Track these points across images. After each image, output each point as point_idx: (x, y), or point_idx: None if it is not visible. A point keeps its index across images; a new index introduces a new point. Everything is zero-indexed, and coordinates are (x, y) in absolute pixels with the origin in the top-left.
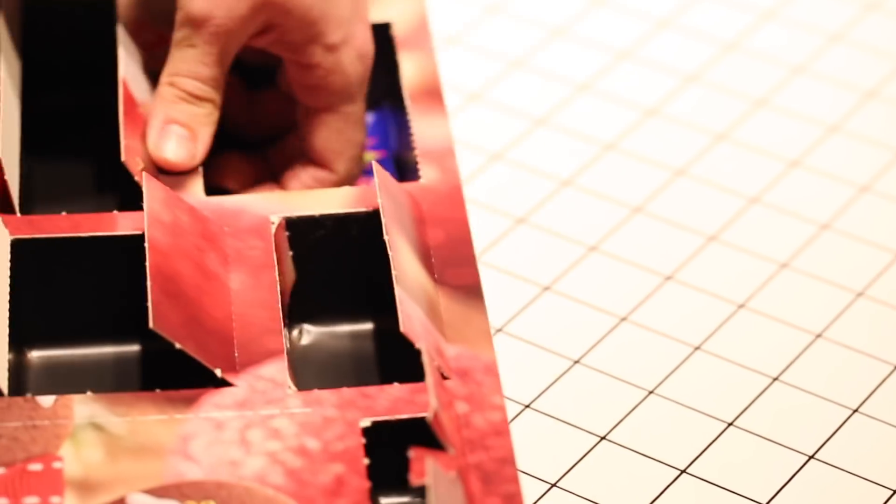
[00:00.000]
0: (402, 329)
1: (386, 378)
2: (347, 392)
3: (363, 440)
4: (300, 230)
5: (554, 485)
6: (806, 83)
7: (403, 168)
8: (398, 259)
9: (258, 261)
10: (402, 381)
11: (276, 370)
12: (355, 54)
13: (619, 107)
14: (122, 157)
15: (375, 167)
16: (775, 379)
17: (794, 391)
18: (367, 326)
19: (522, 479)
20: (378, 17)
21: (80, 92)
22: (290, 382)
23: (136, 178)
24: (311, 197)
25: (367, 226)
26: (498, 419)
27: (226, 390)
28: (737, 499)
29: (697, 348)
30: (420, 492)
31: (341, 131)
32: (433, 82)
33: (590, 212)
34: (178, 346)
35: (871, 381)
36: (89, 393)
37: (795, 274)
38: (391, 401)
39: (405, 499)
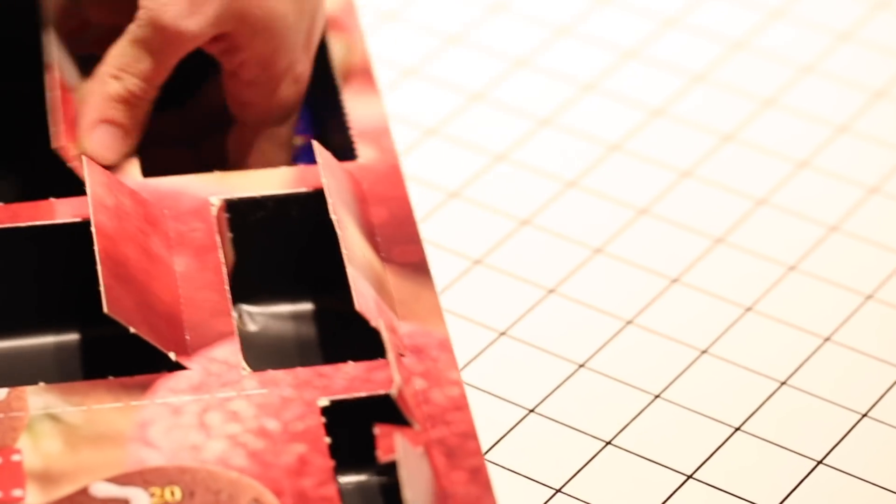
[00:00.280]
0: (356, 308)
1: (330, 358)
2: (303, 372)
3: (323, 419)
4: (240, 211)
5: (559, 490)
6: (814, 83)
7: (337, 150)
8: (346, 238)
9: (201, 243)
10: (349, 360)
11: (229, 352)
12: (292, 79)
13: (624, 107)
14: (53, 144)
15: (316, 147)
16: (783, 383)
17: (802, 395)
18: (308, 307)
19: (527, 485)
20: None
21: (2, 77)
22: (243, 364)
23: (71, 164)
24: (251, 178)
25: (308, 206)
26: (457, 394)
27: (180, 374)
28: None
29: (704, 352)
30: (385, 469)
31: (265, 151)
32: (363, 61)
33: (595, 213)
34: (132, 330)
35: (880, 385)
36: (42, 384)
37: (803, 276)
38: (348, 379)
39: (368, 476)
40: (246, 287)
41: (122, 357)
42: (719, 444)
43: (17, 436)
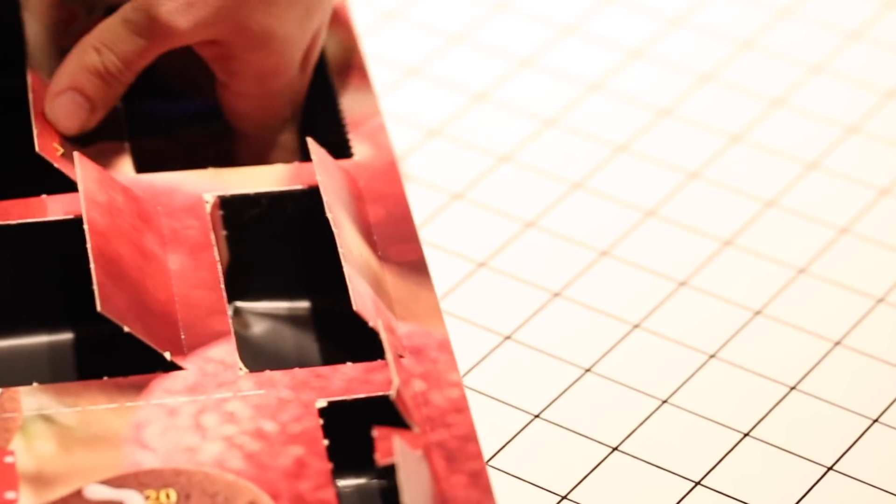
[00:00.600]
0: (354, 307)
1: (328, 358)
2: (300, 373)
3: (320, 421)
4: (235, 208)
5: (565, 497)
6: (824, 82)
7: (332, 147)
8: (343, 236)
9: (195, 240)
10: (346, 360)
11: (225, 352)
12: (288, 95)
13: (630, 107)
14: (37, 148)
15: (311, 144)
16: (792, 388)
17: (812, 400)
18: (305, 305)
19: (532, 491)
20: None
21: None
22: (240, 364)
23: (56, 164)
24: (245, 174)
25: (303, 203)
26: (457, 396)
27: (176, 374)
28: None
29: (712, 356)
30: (382, 472)
31: (261, 155)
32: (356, 57)
33: (601, 215)
34: (126, 329)
35: (891, 389)
36: (35, 384)
37: (813, 279)
38: (346, 380)
39: (366, 479)
40: (242, 285)
41: (117, 357)
42: (727, 450)
43: (10, 437)
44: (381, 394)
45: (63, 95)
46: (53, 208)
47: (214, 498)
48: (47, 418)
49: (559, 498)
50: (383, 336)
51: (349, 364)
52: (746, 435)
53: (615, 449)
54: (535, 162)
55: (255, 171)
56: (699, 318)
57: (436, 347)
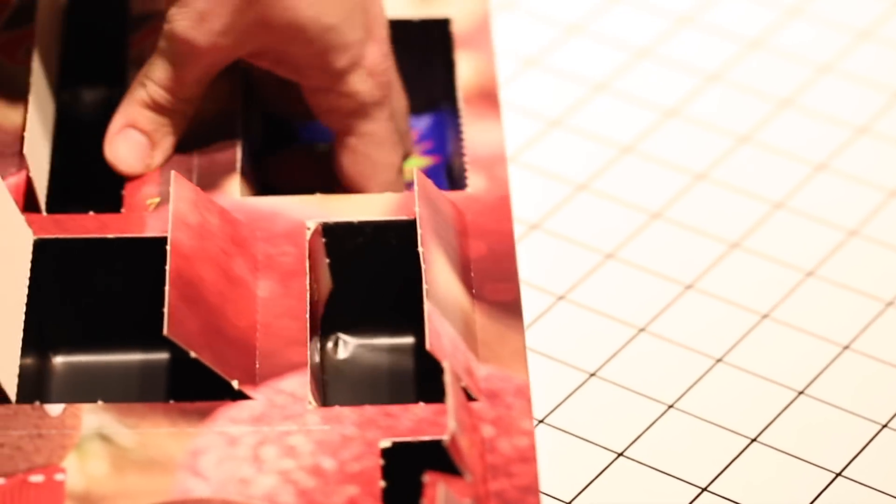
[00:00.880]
0: (428, 347)
1: (423, 395)
2: (370, 410)
3: (381, 461)
4: (337, 236)
5: (569, 503)
6: (833, 83)
7: (454, 175)
8: (431, 272)
9: (289, 268)
10: (436, 400)
11: (298, 384)
12: (365, 73)
13: (637, 107)
14: (123, 209)
15: (416, 174)
16: (801, 393)
17: (821, 405)
18: (407, 340)
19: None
20: (439, 12)
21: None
22: (310, 397)
23: (146, 220)
24: (351, 202)
25: (408, 234)
26: (525, 445)
27: (243, 403)
28: None
29: (719, 360)
30: None
31: (366, 155)
32: (490, 85)
33: (606, 217)
34: (193, 354)
35: None
36: (100, 402)
37: (822, 282)
38: (415, 421)
39: None
40: (341, 315)
41: (187, 381)
42: (735, 456)
43: (64, 454)
44: (435, 438)
45: (120, 134)
46: (152, 225)
47: None
48: (105, 438)
49: None
50: (447, 378)
51: (421, 404)
52: (754, 440)
53: (620, 454)
54: (539, 163)
55: (363, 198)
56: (706, 322)
57: (513, 393)
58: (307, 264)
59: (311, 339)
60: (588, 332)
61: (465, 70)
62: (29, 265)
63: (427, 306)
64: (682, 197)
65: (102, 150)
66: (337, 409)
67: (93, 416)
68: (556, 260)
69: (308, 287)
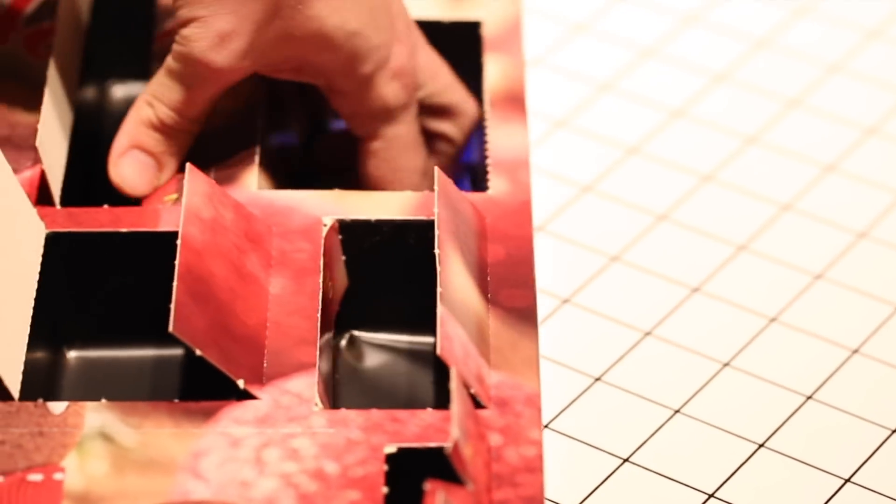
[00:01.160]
0: (438, 352)
1: (437, 396)
2: (376, 414)
3: (385, 467)
4: (354, 234)
5: None
6: (842, 83)
7: (476, 177)
8: (447, 275)
9: (303, 264)
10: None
11: (305, 385)
12: (390, 75)
13: (643, 108)
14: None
15: (437, 174)
16: (809, 397)
17: (829, 410)
18: (422, 340)
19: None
20: (469, 15)
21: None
22: (317, 399)
23: (161, 216)
24: (371, 199)
25: (425, 234)
26: (532, 455)
27: (248, 404)
28: None
29: (726, 365)
30: None
31: (391, 159)
32: (517, 88)
33: (612, 219)
34: (198, 352)
35: None
36: (104, 401)
37: (831, 285)
38: (422, 427)
39: None
40: (358, 314)
41: (193, 379)
42: (742, 462)
43: (65, 453)
44: (435, 445)
45: (126, 156)
46: (166, 219)
47: None
48: (107, 437)
49: None
50: (453, 384)
51: (429, 410)
52: (762, 446)
53: (626, 460)
54: (544, 164)
55: (381, 196)
56: (713, 326)
57: (523, 401)
58: (321, 262)
59: (323, 337)
60: (593, 335)
61: (494, 73)
62: (39, 259)
63: (440, 310)
64: (688, 198)
65: (108, 166)
66: (343, 412)
67: (96, 415)
68: (561, 262)
69: (321, 285)
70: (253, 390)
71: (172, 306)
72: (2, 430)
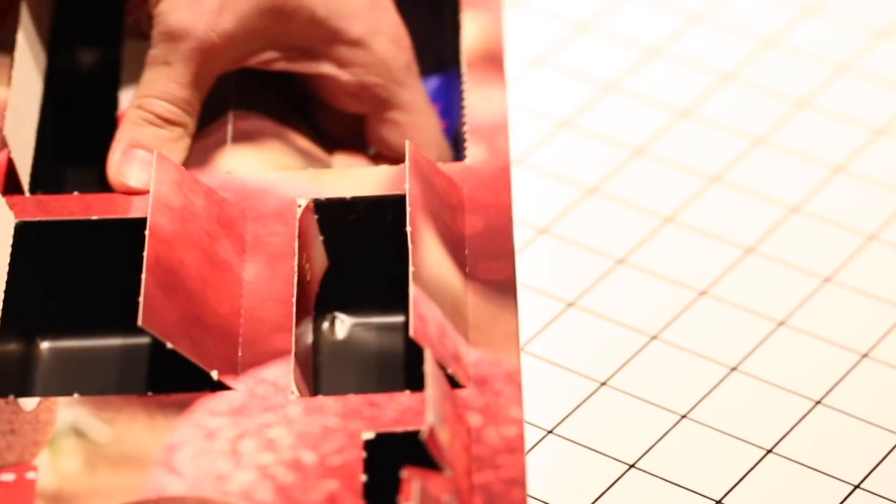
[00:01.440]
0: (411, 334)
1: (412, 381)
2: (353, 399)
3: (363, 454)
4: (330, 214)
5: None
6: (850, 82)
7: (455, 144)
8: (420, 253)
9: (277, 248)
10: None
11: (281, 373)
12: (387, 40)
13: (649, 108)
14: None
15: (408, 147)
16: (818, 402)
17: (838, 415)
18: (401, 319)
19: None
20: None
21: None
22: (293, 387)
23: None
24: (345, 177)
25: (403, 209)
26: (513, 434)
27: (222, 395)
28: None
29: (734, 369)
30: None
31: (412, 124)
32: (495, 47)
33: (617, 222)
34: (169, 345)
35: None
36: (76, 395)
37: (839, 288)
38: (400, 411)
39: None
40: (340, 294)
41: (167, 371)
42: (749, 468)
43: (37, 451)
44: (412, 429)
45: (126, 157)
46: (137, 206)
47: None
48: (79, 433)
49: None
50: (428, 367)
51: (407, 393)
52: (769, 451)
53: (632, 466)
54: (548, 165)
55: (356, 173)
56: (720, 329)
57: (503, 378)
58: (296, 245)
59: (304, 321)
60: (599, 339)
61: (471, 31)
62: (9, 250)
63: (413, 290)
64: (695, 200)
65: (108, 180)
66: (320, 398)
67: (68, 410)
68: (566, 265)
69: (296, 269)
70: (227, 381)
71: (141, 300)
72: None
